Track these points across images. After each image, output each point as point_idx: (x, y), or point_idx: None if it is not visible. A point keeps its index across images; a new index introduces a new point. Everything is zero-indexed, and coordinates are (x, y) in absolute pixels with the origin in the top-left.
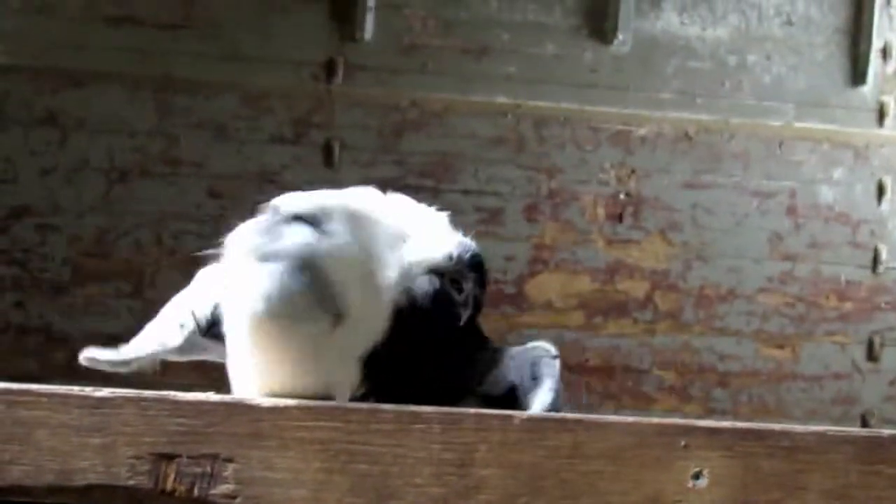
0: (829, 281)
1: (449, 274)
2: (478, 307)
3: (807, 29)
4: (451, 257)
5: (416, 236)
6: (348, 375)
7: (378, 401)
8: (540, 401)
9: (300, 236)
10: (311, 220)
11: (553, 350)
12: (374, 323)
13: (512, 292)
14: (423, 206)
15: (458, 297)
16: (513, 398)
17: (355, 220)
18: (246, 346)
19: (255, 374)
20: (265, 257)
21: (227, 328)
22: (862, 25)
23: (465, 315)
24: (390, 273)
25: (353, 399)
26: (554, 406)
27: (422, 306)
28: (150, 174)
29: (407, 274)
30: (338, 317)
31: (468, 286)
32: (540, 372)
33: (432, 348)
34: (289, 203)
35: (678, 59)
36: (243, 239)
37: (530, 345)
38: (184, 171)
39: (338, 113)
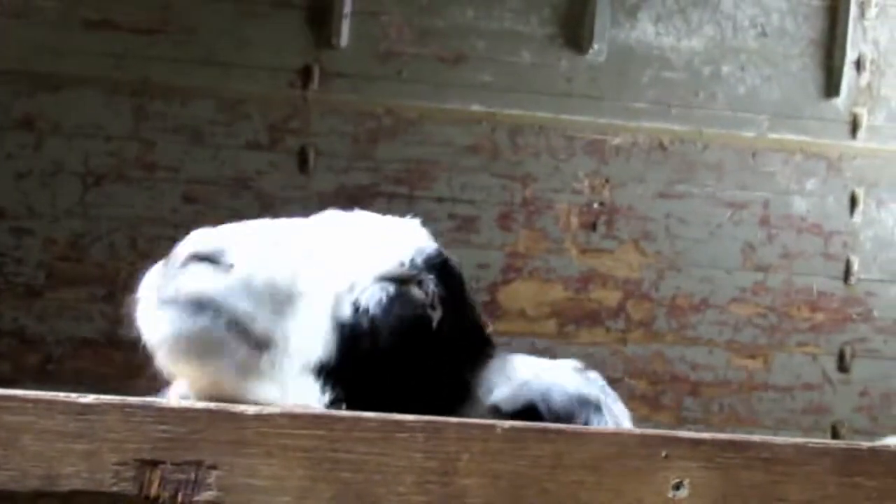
0: (801, 292)
1: (405, 280)
2: (457, 307)
3: (781, 40)
4: (402, 263)
5: (364, 248)
6: (299, 391)
7: (360, 407)
8: None
9: (196, 276)
10: (209, 258)
11: (600, 379)
12: (309, 341)
13: (485, 300)
14: (388, 217)
15: (421, 300)
16: (530, 417)
17: (259, 250)
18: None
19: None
20: (165, 302)
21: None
22: (836, 38)
23: (435, 317)
24: (319, 290)
25: (327, 406)
26: None
27: (374, 315)
28: (125, 179)
29: (350, 286)
30: (260, 344)
31: (430, 288)
32: (602, 405)
33: (403, 353)
34: (188, 243)
35: (653, 70)
36: (146, 285)
37: (564, 363)
38: (159, 176)
39: (313, 119)
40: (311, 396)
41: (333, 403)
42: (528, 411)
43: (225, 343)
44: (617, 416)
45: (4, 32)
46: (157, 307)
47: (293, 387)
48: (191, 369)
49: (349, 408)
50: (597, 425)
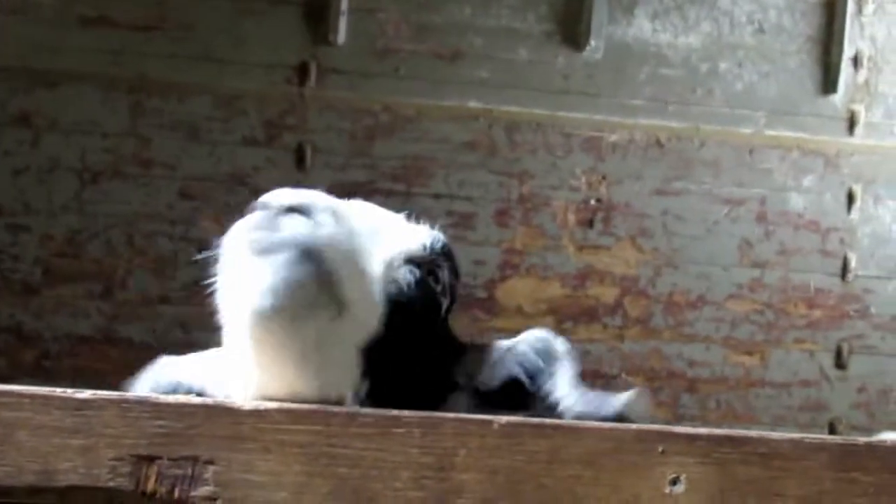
0: (798, 288)
1: (426, 264)
2: (454, 298)
3: (778, 37)
4: (425, 247)
5: (389, 230)
6: (350, 369)
7: (377, 399)
8: (564, 384)
9: (298, 227)
10: (303, 211)
11: (557, 339)
12: (370, 314)
13: (482, 297)
14: (383, 209)
15: (437, 287)
16: (512, 391)
17: (339, 214)
18: (250, 345)
19: (258, 374)
20: (266, 250)
21: (226, 330)
22: (833, 34)
23: (444, 304)
24: (377, 264)
25: (358, 401)
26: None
27: (408, 296)
28: (122, 175)
29: (390, 265)
30: (339, 307)
31: (444, 275)
32: (552, 360)
33: (422, 340)
34: (277, 197)
35: (650, 66)
36: (241, 235)
37: (527, 335)
38: (156, 173)
39: (310, 116)
40: (352, 377)
41: (366, 397)
42: (510, 384)
43: (319, 298)
44: (559, 378)
45: (1, 29)
46: (258, 255)
47: (343, 369)
48: (284, 321)
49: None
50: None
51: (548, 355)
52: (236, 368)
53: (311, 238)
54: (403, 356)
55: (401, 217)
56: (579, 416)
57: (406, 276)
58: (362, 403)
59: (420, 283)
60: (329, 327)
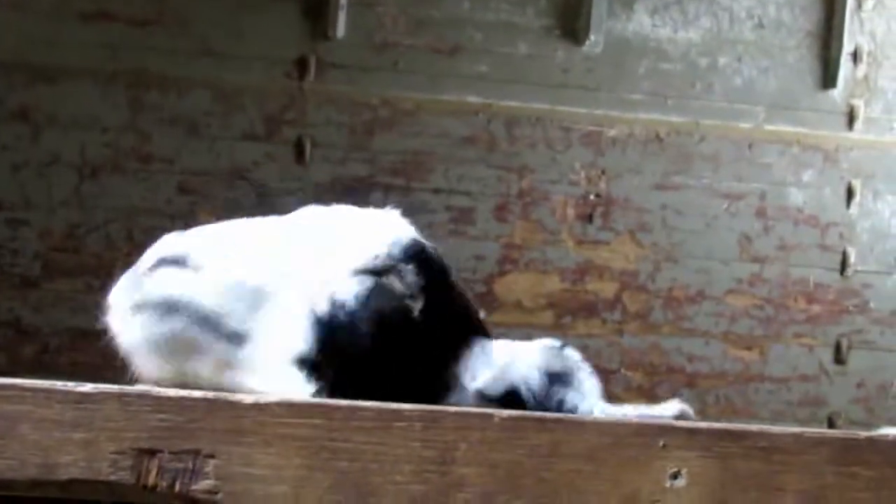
0: (797, 283)
1: (382, 272)
2: (438, 296)
3: (778, 32)
4: (376, 256)
5: (340, 243)
6: (283, 382)
7: (345, 397)
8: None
9: (164, 280)
10: (175, 261)
11: (569, 354)
12: (287, 335)
13: (482, 291)
14: (367, 210)
15: (400, 291)
16: (514, 400)
17: (225, 251)
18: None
19: None
20: (134, 308)
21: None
22: (833, 29)
23: (416, 307)
24: (295, 285)
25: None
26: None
27: (351, 308)
28: (121, 170)
29: (327, 281)
30: (234, 339)
31: (409, 278)
32: (574, 379)
33: (385, 344)
34: (155, 250)
35: (650, 61)
36: (116, 293)
37: (539, 344)
38: (155, 167)
39: (309, 110)
40: (296, 387)
41: (318, 393)
42: (511, 395)
43: (198, 341)
44: (585, 392)
45: (1, 24)
46: (129, 313)
47: (276, 378)
48: (169, 369)
49: (332, 398)
50: (569, 401)
51: (561, 371)
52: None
53: (175, 291)
54: (361, 362)
55: (378, 215)
56: None
57: (352, 287)
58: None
59: (371, 291)
60: (229, 358)
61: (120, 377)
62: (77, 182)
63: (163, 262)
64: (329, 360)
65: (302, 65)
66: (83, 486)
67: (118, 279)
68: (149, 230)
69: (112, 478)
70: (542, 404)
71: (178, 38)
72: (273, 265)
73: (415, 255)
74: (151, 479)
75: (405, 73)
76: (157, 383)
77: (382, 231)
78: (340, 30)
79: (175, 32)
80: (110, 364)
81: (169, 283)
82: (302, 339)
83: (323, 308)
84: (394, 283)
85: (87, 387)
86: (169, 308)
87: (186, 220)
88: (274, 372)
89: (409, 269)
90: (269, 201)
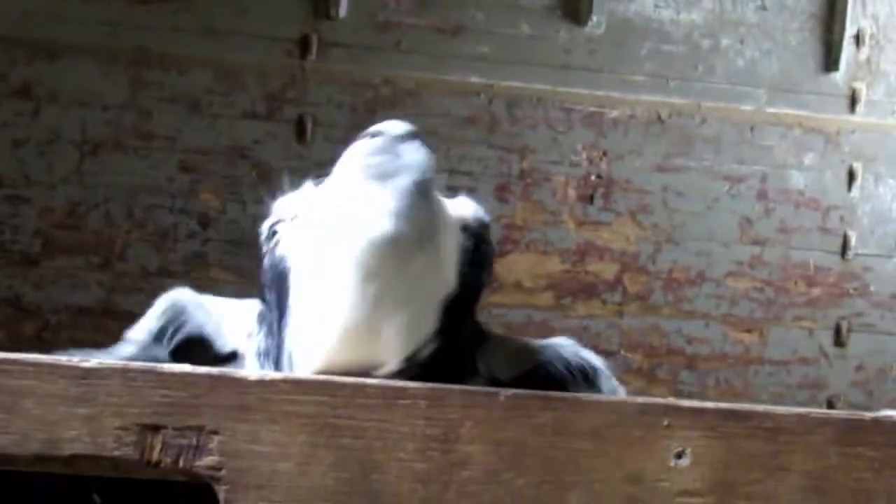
0: (798, 266)
1: (476, 234)
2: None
3: (781, 14)
4: (475, 216)
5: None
6: (428, 325)
7: (433, 365)
8: None
9: (418, 154)
10: (419, 139)
11: (590, 355)
12: (451, 270)
13: None
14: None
15: (484, 259)
16: (530, 385)
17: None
18: (354, 273)
19: (350, 308)
20: (388, 175)
21: (306, 277)
22: (836, 12)
23: (487, 279)
24: (452, 223)
25: (419, 361)
26: None
27: (469, 262)
28: (122, 147)
29: (456, 228)
30: (435, 256)
31: (489, 249)
32: (589, 370)
33: (475, 307)
34: (390, 126)
35: (652, 42)
36: (357, 160)
37: (556, 342)
38: (156, 145)
39: (311, 89)
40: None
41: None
42: (528, 378)
43: (431, 233)
44: (614, 388)
45: (1, 1)
46: (377, 180)
47: (425, 319)
48: (398, 254)
49: None
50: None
51: (583, 371)
52: (296, 335)
53: (430, 167)
54: (462, 323)
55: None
56: None
57: (465, 242)
58: (418, 368)
59: (474, 251)
60: (426, 272)
61: None
62: (78, 159)
63: (408, 136)
64: (456, 309)
65: (304, 44)
66: (87, 462)
67: (118, 256)
68: (149, 208)
69: (116, 453)
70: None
71: (180, 15)
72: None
73: (489, 226)
74: (155, 455)
75: (407, 52)
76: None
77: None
78: (343, 9)
79: (177, 10)
80: (111, 341)
81: (423, 158)
82: (452, 279)
83: (458, 252)
84: (482, 248)
85: (92, 362)
86: (426, 184)
87: (187, 199)
88: (426, 306)
89: (487, 237)
90: (270, 180)
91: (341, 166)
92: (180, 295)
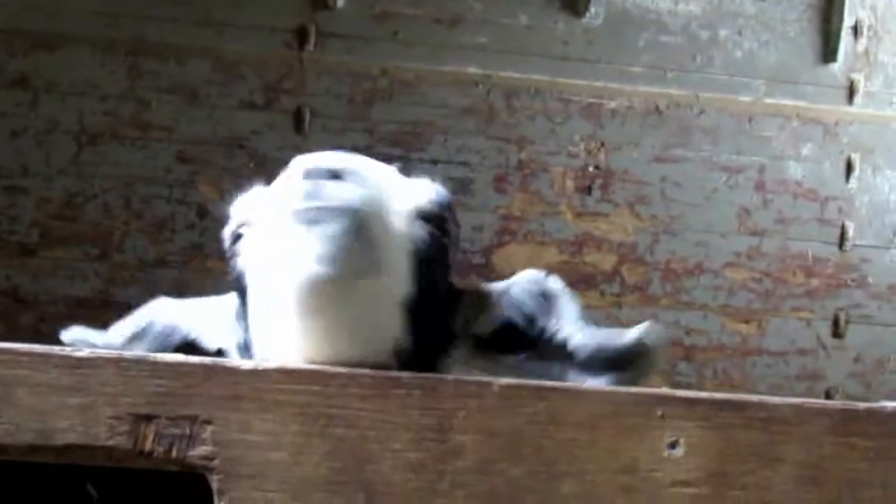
0: (796, 257)
1: (435, 218)
2: (457, 248)
3: (779, 5)
4: (431, 201)
5: (399, 186)
6: (396, 328)
7: (418, 357)
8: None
9: (343, 194)
10: (342, 176)
11: (550, 278)
12: (403, 272)
13: (479, 262)
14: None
15: (445, 240)
16: (510, 335)
17: (370, 174)
18: (299, 312)
19: (305, 340)
20: (316, 220)
21: (260, 297)
22: (834, 2)
23: (453, 256)
24: (400, 223)
25: (400, 361)
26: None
27: (426, 252)
28: (120, 138)
29: (409, 222)
30: (379, 268)
31: (451, 228)
32: (550, 300)
33: (440, 294)
34: (315, 162)
35: (650, 33)
36: (286, 204)
37: (520, 277)
38: (154, 136)
39: (309, 80)
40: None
41: (409, 358)
42: (507, 329)
43: (366, 262)
44: (567, 316)
45: None
46: (305, 224)
47: (389, 328)
48: (338, 288)
49: None
50: (551, 327)
51: (544, 295)
52: (266, 333)
53: (355, 204)
54: (432, 311)
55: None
56: (595, 351)
57: (420, 231)
58: (406, 363)
59: (433, 237)
60: (373, 289)
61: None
62: (75, 150)
63: (328, 173)
64: (421, 303)
65: (302, 34)
66: (80, 452)
67: (116, 247)
68: (147, 199)
69: (109, 443)
70: (538, 329)
71: (178, 6)
72: (389, 198)
73: (451, 206)
74: (148, 445)
75: (405, 43)
76: None
77: (419, 182)
78: None
79: (175, 1)
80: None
81: (348, 197)
82: (408, 279)
83: (411, 248)
84: (442, 231)
85: (85, 352)
86: (353, 221)
87: (185, 189)
88: (387, 317)
89: (450, 218)
90: (268, 171)
91: (268, 208)
92: (162, 307)
